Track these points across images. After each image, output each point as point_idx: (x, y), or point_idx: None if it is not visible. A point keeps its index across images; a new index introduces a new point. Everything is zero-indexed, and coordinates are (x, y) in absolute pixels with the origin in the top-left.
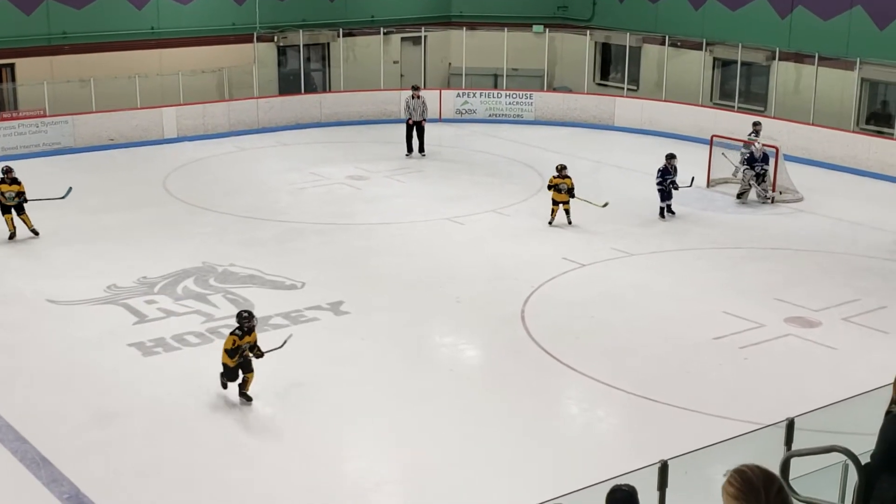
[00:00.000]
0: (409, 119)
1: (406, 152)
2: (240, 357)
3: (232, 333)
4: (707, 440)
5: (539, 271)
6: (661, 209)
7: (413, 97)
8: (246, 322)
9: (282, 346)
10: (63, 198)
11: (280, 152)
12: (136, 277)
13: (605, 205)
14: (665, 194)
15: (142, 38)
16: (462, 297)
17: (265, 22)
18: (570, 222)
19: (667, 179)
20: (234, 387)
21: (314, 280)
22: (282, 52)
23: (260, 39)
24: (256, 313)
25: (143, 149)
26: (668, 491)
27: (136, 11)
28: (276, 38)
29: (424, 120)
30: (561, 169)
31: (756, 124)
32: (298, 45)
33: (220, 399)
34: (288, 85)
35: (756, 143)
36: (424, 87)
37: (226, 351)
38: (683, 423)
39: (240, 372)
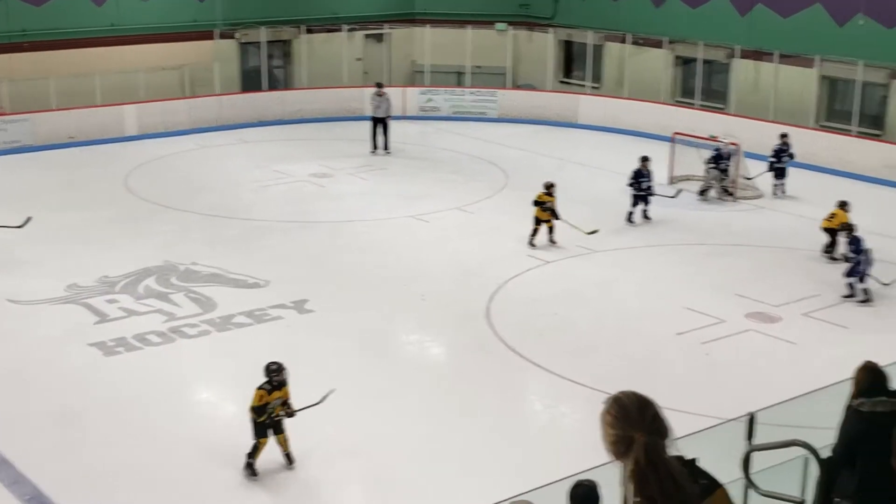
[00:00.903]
0: (385, 115)
1: (371, 149)
2: (269, 416)
3: (259, 388)
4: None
5: (504, 268)
6: (629, 213)
7: (377, 94)
8: (275, 375)
9: (321, 401)
10: (20, 227)
11: (242, 150)
12: (97, 276)
13: (593, 232)
14: (637, 198)
15: (102, 35)
16: (427, 295)
17: (226, 18)
18: (553, 241)
19: (641, 183)
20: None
21: (278, 278)
22: (243, 48)
23: (221, 36)
24: (219, 312)
25: (104, 146)
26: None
27: (95, 8)
28: (237, 35)
29: (389, 117)
30: (549, 186)
31: (784, 135)
32: (260, 42)
33: (183, 399)
34: (250, 82)
35: (722, 142)
36: (388, 85)
37: (253, 409)
38: None
39: (269, 432)
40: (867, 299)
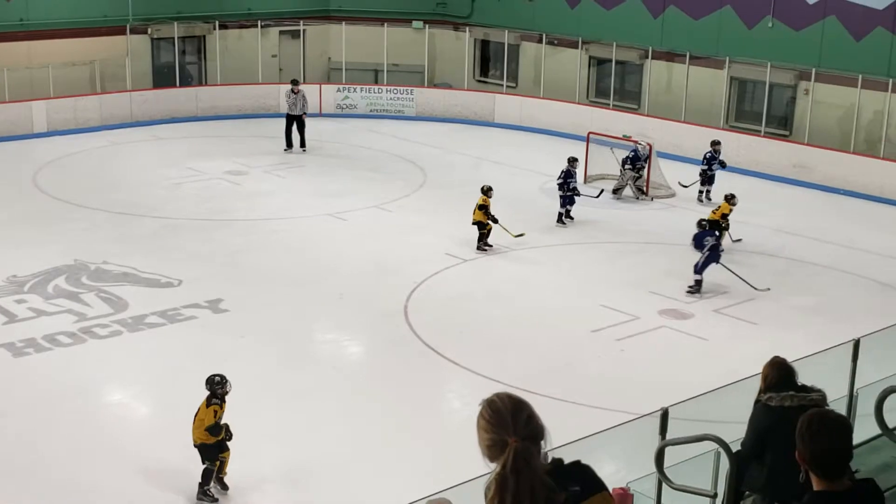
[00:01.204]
0: (301, 112)
1: (285, 147)
2: (226, 432)
3: (210, 404)
4: (585, 431)
5: (422, 266)
6: (560, 214)
7: (292, 92)
8: (220, 388)
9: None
10: None
11: (155, 147)
12: (6, 276)
13: (520, 235)
14: (566, 199)
15: (10, 29)
16: (345, 293)
17: (138, 14)
18: (490, 246)
19: (569, 184)
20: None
21: (192, 277)
22: (156, 44)
23: (133, 31)
24: (131, 312)
25: (12, 143)
26: None
27: (3, 3)
28: (149, 31)
29: (304, 114)
30: (488, 190)
31: (715, 142)
32: (173, 38)
33: (94, 401)
34: (162, 78)
35: (640, 143)
36: (304, 82)
37: (210, 428)
38: (563, 415)
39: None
40: (695, 291)
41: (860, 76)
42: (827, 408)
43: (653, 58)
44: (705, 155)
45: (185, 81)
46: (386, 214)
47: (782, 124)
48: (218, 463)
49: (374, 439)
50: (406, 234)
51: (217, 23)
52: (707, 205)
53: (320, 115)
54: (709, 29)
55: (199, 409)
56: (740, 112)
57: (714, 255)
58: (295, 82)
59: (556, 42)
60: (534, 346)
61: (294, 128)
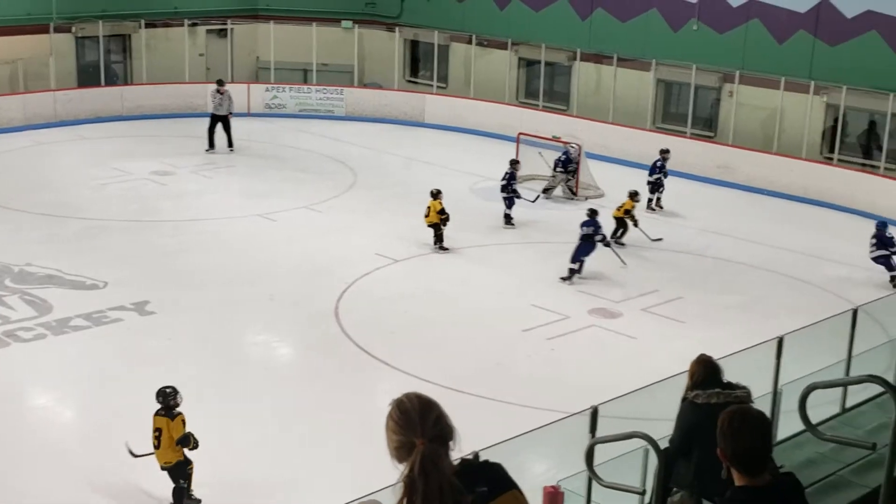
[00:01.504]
0: (227, 112)
1: (207, 147)
2: (194, 441)
3: (174, 416)
4: (516, 430)
5: (353, 267)
6: (507, 216)
7: (218, 92)
8: (173, 399)
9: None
10: None
11: (80, 147)
12: None
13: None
14: (511, 201)
15: None
16: (275, 295)
17: (62, 12)
18: (446, 249)
19: (511, 185)
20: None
21: (117, 279)
22: (80, 43)
23: (57, 30)
24: (56, 315)
25: None
26: None
27: None
28: (74, 29)
29: (231, 114)
30: (437, 193)
31: (664, 151)
32: (98, 36)
33: (18, 405)
34: (87, 77)
35: (572, 145)
36: (231, 81)
37: (181, 440)
38: (494, 414)
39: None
40: (567, 279)
41: (783, 78)
42: (748, 405)
43: (581, 59)
44: (655, 163)
45: (111, 81)
46: (316, 215)
47: (707, 126)
48: (190, 478)
49: (306, 440)
50: (337, 234)
51: (143, 21)
52: (657, 212)
53: (248, 114)
54: (635, 31)
55: (160, 431)
56: (666, 114)
57: (586, 246)
58: (220, 82)
59: (485, 43)
60: (465, 345)
61: (220, 128)
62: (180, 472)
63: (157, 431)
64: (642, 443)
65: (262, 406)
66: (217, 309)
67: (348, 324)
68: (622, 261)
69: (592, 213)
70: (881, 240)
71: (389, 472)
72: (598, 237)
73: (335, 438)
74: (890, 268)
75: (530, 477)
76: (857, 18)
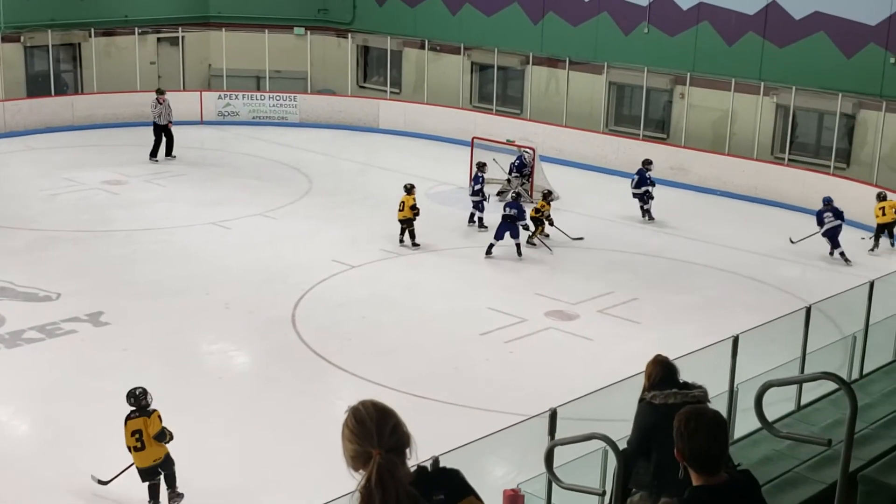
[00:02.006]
0: (166, 121)
1: (150, 156)
2: (169, 435)
3: (152, 412)
4: (475, 434)
5: (309, 274)
6: (480, 219)
7: (158, 101)
8: (144, 399)
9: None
10: None
11: (29, 157)
12: None
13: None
14: (481, 205)
15: None
16: (231, 303)
17: (10, 21)
18: (418, 245)
19: (481, 188)
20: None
21: (70, 291)
22: (29, 52)
23: (5, 39)
24: (8, 327)
25: None
26: None
27: None
28: (22, 38)
29: (170, 123)
30: (411, 188)
31: (646, 162)
32: (47, 46)
33: None
34: (36, 87)
35: (526, 150)
36: (183, 89)
37: (157, 435)
38: (453, 418)
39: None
40: (487, 252)
41: (733, 80)
42: (704, 405)
43: (533, 63)
44: (643, 175)
45: (61, 90)
46: (271, 222)
47: (660, 128)
48: (173, 468)
49: (265, 448)
50: (292, 241)
51: (93, 30)
52: (649, 223)
53: (201, 122)
54: (587, 35)
55: (139, 432)
56: (619, 116)
57: (507, 227)
58: (160, 91)
59: (438, 48)
60: (422, 350)
61: (161, 137)
62: (169, 461)
63: (137, 433)
64: (601, 444)
65: (220, 415)
66: (172, 318)
67: (305, 331)
68: (549, 248)
69: (517, 197)
70: (834, 211)
71: (347, 480)
72: (522, 222)
73: (293, 446)
74: (836, 244)
75: (490, 480)
76: (805, 20)
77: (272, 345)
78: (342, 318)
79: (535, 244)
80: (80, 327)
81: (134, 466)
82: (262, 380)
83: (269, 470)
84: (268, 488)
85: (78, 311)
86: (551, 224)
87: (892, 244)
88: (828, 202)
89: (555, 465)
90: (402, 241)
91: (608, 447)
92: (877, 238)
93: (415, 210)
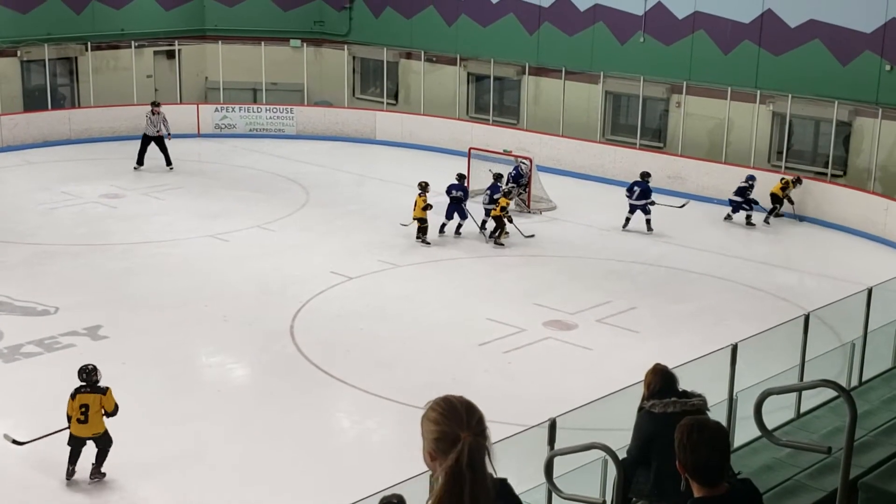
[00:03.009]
0: (158, 132)
1: (136, 165)
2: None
3: (106, 389)
4: None
5: (307, 286)
6: (484, 224)
7: (153, 112)
8: (95, 375)
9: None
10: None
11: (27, 171)
12: None
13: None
14: (487, 212)
15: None
16: (229, 316)
17: (7, 36)
18: (428, 243)
19: (495, 197)
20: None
21: (69, 304)
22: (26, 66)
23: (2, 54)
24: (6, 342)
25: None
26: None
27: None
28: (19, 53)
29: (169, 135)
30: (426, 186)
31: (647, 175)
32: (44, 60)
33: None
34: (33, 101)
35: (523, 161)
36: (180, 102)
37: (111, 413)
38: None
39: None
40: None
41: (729, 88)
42: (704, 414)
43: (530, 73)
44: (643, 188)
45: (58, 104)
46: (269, 234)
47: (656, 136)
48: (109, 447)
49: (265, 461)
50: (290, 253)
51: (89, 44)
52: (648, 234)
53: (198, 135)
54: (583, 45)
55: (86, 406)
56: (616, 125)
57: (454, 207)
58: (155, 104)
59: (434, 59)
60: (421, 361)
61: (152, 148)
62: (108, 439)
63: (84, 407)
64: (601, 454)
65: (219, 427)
66: (171, 331)
67: (304, 343)
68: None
69: (461, 178)
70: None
71: (347, 490)
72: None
73: (292, 458)
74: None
75: None
76: (800, 28)
77: (271, 357)
78: (341, 330)
79: (503, 244)
80: (78, 341)
81: (66, 433)
82: (260, 392)
83: (269, 482)
84: (268, 499)
85: (76, 324)
86: (510, 221)
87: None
88: (749, 179)
89: (555, 476)
90: (418, 238)
91: (608, 457)
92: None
93: (426, 209)
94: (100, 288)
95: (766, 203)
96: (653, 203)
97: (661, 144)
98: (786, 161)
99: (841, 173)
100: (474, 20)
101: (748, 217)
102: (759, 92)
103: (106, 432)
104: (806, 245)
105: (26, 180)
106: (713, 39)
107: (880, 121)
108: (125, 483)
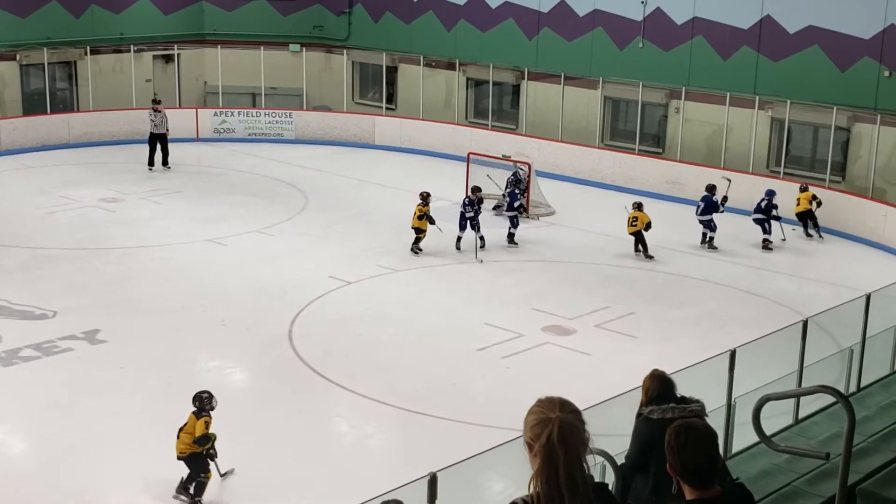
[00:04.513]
0: (163, 130)
1: (149, 166)
2: (212, 446)
3: (203, 415)
4: (474, 449)
5: (306, 291)
6: (512, 235)
7: (155, 111)
8: (208, 403)
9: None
10: None
11: (26, 175)
12: None
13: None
14: (515, 220)
15: None
16: (227, 320)
17: (6, 40)
18: (421, 250)
19: (515, 205)
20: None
21: (67, 308)
22: (25, 70)
23: (1, 58)
24: (4, 346)
25: None
26: (438, 503)
27: None
28: (18, 57)
29: (167, 132)
30: (426, 197)
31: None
32: (43, 64)
33: None
34: (33, 105)
35: (521, 167)
36: (179, 106)
37: (199, 440)
38: (451, 434)
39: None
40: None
41: (728, 94)
42: (695, 419)
43: (529, 79)
44: (710, 200)
45: (57, 108)
46: (268, 239)
47: (655, 142)
48: (210, 475)
49: (264, 465)
50: (289, 257)
51: (89, 48)
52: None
53: (197, 139)
54: (582, 50)
55: (186, 423)
56: (615, 131)
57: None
58: (156, 101)
59: (433, 64)
60: (420, 366)
61: (157, 147)
62: (197, 464)
63: (184, 425)
64: (599, 459)
65: (217, 432)
66: (169, 336)
67: (302, 347)
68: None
69: (476, 191)
70: (761, 209)
71: (346, 495)
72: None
73: (293, 463)
74: (765, 230)
75: (489, 496)
76: (799, 34)
77: (269, 362)
78: (339, 335)
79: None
80: (76, 345)
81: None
82: (259, 397)
83: (267, 486)
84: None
85: (74, 328)
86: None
87: (810, 233)
88: (769, 194)
89: None
90: (412, 248)
91: (606, 462)
92: (804, 226)
93: (423, 219)
94: (98, 292)
95: (786, 216)
96: (722, 211)
97: (660, 150)
98: (784, 167)
99: (839, 179)
100: (473, 25)
101: (765, 242)
102: (757, 98)
103: (191, 456)
104: (804, 251)
105: (25, 184)
106: (712, 45)
107: (879, 127)
108: (123, 489)
